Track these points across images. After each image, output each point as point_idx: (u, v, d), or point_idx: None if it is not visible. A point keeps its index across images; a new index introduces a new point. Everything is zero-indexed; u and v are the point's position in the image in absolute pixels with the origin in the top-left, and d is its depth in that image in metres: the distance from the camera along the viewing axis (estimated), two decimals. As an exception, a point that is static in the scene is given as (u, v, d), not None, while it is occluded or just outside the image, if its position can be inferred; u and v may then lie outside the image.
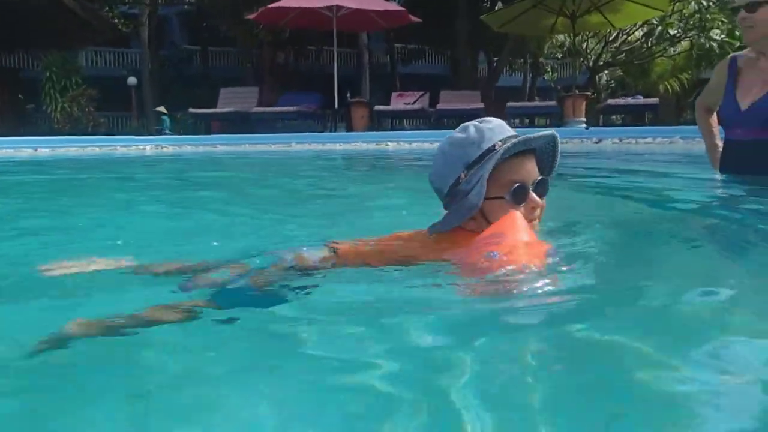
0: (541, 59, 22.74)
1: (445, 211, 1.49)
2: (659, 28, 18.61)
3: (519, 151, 1.40)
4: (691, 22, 18.17)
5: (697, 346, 0.94)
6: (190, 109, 15.15)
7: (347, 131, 13.30)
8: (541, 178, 1.43)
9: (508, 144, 1.37)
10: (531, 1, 13.34)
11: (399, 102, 15.19)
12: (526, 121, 16.42)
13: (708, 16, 17.61)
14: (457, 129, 1.51)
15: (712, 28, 17.85)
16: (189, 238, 2.20)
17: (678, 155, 6.26)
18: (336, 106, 14.22)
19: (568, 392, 0.83)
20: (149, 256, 1.67)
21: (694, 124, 3.38)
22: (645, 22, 18.32)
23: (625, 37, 20.52)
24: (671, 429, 0.75)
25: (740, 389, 0.83)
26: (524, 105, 16.69)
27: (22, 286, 1.48)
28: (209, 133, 14.42)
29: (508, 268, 1.22)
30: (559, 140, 1.50)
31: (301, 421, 0.78)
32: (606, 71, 23.31)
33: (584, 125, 12.66)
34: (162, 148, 10.25)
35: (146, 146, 10.32)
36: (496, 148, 1.38)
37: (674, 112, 20.27)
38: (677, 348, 0.96)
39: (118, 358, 1.01)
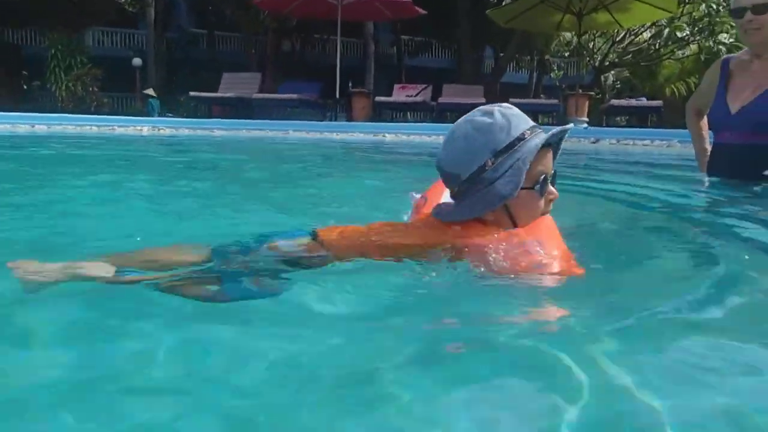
0: (548, 57, 22.64)
1: (450, 200, 1.42)
2: (667, 30, 18.49)
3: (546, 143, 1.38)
4: (700, 25, 18.06)
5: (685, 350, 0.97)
6: (191, 93, 15.12)
7: (348, 121, 13.24)
8: (554, 170, 1.42)
9: (547, 134, 1.34)
10: (538, -3, 13.25)
11: (401, 94, 15.08)
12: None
13: (717, 19, 17.49)
14: (476, 112, 1.41)
15: (720, 31, 17.75)
16: (161, 221, 2.15)
17: (672, 157, 6.19)
18: (337, 95, 14.15)
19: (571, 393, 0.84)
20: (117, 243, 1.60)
21: None
22: (653, 24, 18.20)
23: (632, 37, 20.40)
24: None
25: (741, 390, 0.85)
26: (526, 102, 16.58)
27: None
28: (210, 117, 14.37)
29: (545, 276, 1.28)
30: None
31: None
32: (612, 72, 23.20)
33: (585, 125, 12.58)
34: (159, 130, 10.20)
35: (143, 127, 10.27)
36: (525, 136, 1.33)
37: (680, 115, 20.14)
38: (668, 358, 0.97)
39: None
